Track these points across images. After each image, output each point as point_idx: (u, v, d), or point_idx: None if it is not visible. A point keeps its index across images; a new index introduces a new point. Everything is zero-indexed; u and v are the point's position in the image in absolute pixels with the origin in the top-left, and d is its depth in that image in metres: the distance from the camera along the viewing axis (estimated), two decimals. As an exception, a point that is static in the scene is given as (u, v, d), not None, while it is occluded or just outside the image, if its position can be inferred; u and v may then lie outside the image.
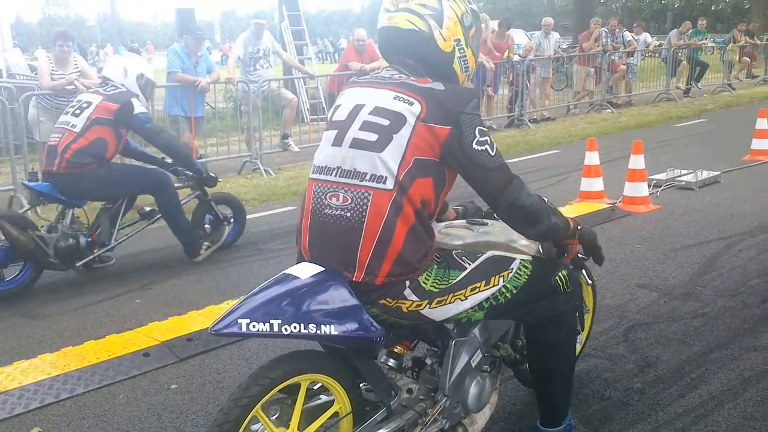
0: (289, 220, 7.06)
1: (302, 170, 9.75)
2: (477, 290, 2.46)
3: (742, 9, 55.15)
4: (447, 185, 2.46)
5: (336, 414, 2.41)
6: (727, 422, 3.18)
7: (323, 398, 2.45)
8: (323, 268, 2.36)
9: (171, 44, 11.53)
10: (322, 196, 2.41)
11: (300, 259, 2.51)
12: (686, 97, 17.28)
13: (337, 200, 2.37)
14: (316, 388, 2.43)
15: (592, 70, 15.25)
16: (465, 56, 2.53)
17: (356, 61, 11.29)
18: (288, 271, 2.35)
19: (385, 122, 2.35)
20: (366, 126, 2.38)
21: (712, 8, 63.60)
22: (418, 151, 2.32)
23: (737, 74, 20.67)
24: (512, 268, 2.56)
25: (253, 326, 2.15)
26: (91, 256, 5.48)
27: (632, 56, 16.48)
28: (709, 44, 19.88)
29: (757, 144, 9.56)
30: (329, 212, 2.38)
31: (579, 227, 2.74)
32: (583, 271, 3.38)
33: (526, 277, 2.58)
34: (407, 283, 2.36)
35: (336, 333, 2.25)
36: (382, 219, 2.31)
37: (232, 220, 6.19)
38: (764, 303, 4.54)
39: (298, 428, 2.30)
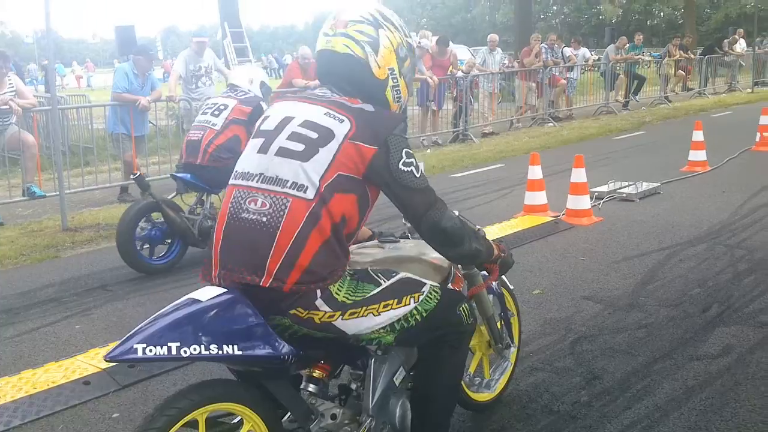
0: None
1: (247, 188, 9.65)
2: (389, 307, 2.46)
3: (676, 24, 56.79)
4: (369, 205, 2.49)
5: None
6: (672, 432, 3.22)
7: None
8: (225, 290, 2.31)
9: (111, 62, 11.33)
10: (241, 201, 2.41)
11: (206, 270, 2.45)
12: (625, 110, 17.68)
13: (256, 205, 2.37)
14: (234, 422, 2.35)
15: (534, 84, 15.50)
16: (398, 86, 2.59)
17: (300, 78, 11.26)
18: (190, 295, 2.29)
19: (314, 135, 2.40)
20: (294, 136, 2.42)
21: (648, 23, 65.46)
22: (342, 167, 2.36)
23: (673, 87, 21.23)
24: (423, 291, 2.57)
25: (150, 350, 2.06)
26: None
27: (572, 71, 16.80)
28: (646, 58, 20.42)
29: (693, 155, 9.81)
30: (246, 216, 2.38)
31: (503, 254, 2.86)
32: (503, 277, 3.34)
33: (436, 301, 2.57)
34: (318, 293, 2.34)
35: (240, 353, 2.18)
36: (297, 227, 2.32)
37: None
38: (705, 312, 4.63)
39: None
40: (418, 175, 2.44)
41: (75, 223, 7.78)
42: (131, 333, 2.12)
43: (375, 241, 2.98)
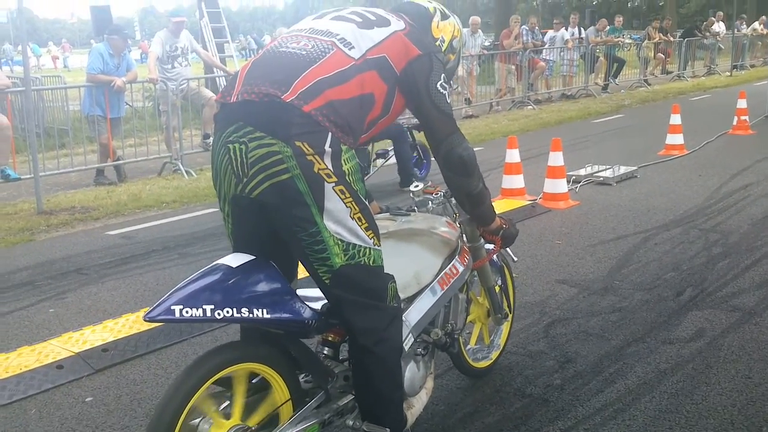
0: (210, 223, 6.93)
1: (225, 170, 9.58)
2: (361, 223, 2.40)
3: (657, 6, 57.09)
4: (390, 111, 2.56)
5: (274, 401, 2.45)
6: (644, 415, 3.25)
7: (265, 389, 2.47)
8: (254, 257, 2.38)
9: (88, 42, 11.18)
10: (282, 43, 2.48)
11: (225, 92, 2.40)
12: (604, 93, 17.74)
13: (297, 44, 2.43)
14: (254, 381, 2.43)
15: (513, 67, 15.49)
16: (445, 53, 2.80)
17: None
18: (220, 261, 2.37)
19: (372, 17, 2.56)
20: (354, 13, 2.57)
21: (629, 5, 65.67)
22: (388, 51, 2.48)
23: (653, 70, 21.33)
24: (380, 247, 2.50)
25: (186, 312, 2.15)
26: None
27: (551, 53, 16.81)
28: (626, 41, 20.47)
29: (671, 139, 9.87)
30: (284, 50, 2.43)
31: (505, 226, 3.03)
32: (508, 250, 3.52)
33: (380, 262, 2.50)
34: (329, 137, 2.30)
35: (268, 316, 2.29)
36: (337, 69, 2.36)
37: (424, 161, 8.65)
38: (678, 296, 4.67)
39: (240, 419, 2.33)
40: (448, 101, 2.59)
41: (50, 206, 7.71)
42: (167, 295, 2.20)
43: (387, 214, 3.06)
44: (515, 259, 3.76)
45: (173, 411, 2.16)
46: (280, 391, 2.46)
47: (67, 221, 7.18)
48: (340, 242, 2.37)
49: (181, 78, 9.77)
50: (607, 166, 8.47)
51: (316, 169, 2.29)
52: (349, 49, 2.41)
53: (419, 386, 2.88)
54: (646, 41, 20.69)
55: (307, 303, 2.45)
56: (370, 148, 8.12)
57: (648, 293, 4.74)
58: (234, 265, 2.33)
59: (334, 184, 2.32)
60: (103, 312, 4.68)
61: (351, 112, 2.38)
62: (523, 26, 15.76)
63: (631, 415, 3.26)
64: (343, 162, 2.34)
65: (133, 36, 41.09)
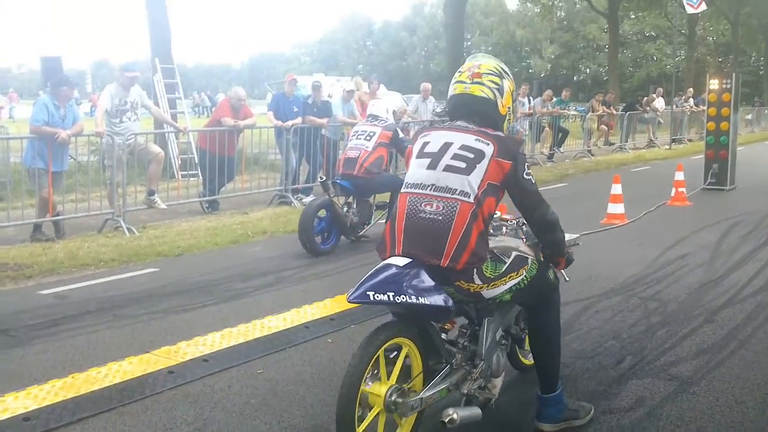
0: (149, 283, 6.74)
1: (169, 229, 9.40)
2: (512, 278, 3.48)
3: (601, 80, 59.12)
4: (498, 204, 3.45)
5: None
6: (582, 489, 3.20)
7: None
8: (411, 260, 3.27)
9: (37, 93, 10.97)
10: (417, 205, 3.38)
11: (390, 252, 3.39)
12: (549, 162, 18.07)
13: (431, 207, 3.34)
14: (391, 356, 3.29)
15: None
16: (509, 118, 3.63)
17: (229, 117, 11.14)
18: (387, 261, 3.29)
19: (471, 155, 3.38)
20: (456, 157, 3.40)
21: (575, 78, 67.99)
22: (490, 177, 3.35)
23: (596, 141, 21.88)
24: (528, 263, 3.60)
25: (377, 296, 3.09)
26: (364, 231, 8.49)
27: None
28: (571, 113, 21.00)
29: (612, 208, 10.06)
30: (423, 216, 3.35)
31: (569, 251, 3.87)
32: (563, 271, 4.21)
33: (535, 270, 3.61)
34: (475, 270, 3.33)
35: (428, 303, 3.16)
36: (465, 223, 3.29)
37: None
38: (619, 364, 4.68)
39: (396, 382, 3.25)
40: (534, 182, 3.47)
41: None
42: (359, 284, 3.16)
43: None
44: (567, 279, 4.40)
45: (363, 365, 3.07)
46: (416, 363, 3.34)
47: (-2, 278, 6.92)
48: (505, 293, 3.48)
49: (129, 132, 9.64)
50: (551, 234, 8.54)
51: (472, 290, 3.39)
52: (468, 198, 3.30)
53: (502, 371, 3.74)
54: (590, 113, 21.28)
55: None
56: (371, 199, 8.64)
57: (589, 361, 4.74)
58: (400, 264, 3.24)
59: (486, 288, 3.39)
60: (28, 377, 4.45)
61: (484, 239, 3.36)
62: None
63: (569, 488, 3.21)
64: (485, 272, 3.38)
65: (85, 89, 40.54)
